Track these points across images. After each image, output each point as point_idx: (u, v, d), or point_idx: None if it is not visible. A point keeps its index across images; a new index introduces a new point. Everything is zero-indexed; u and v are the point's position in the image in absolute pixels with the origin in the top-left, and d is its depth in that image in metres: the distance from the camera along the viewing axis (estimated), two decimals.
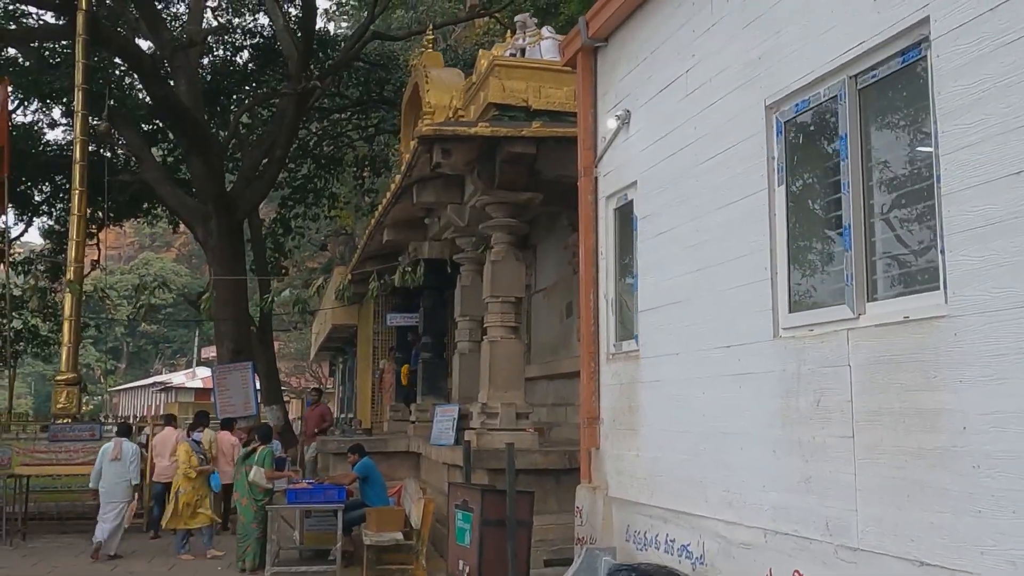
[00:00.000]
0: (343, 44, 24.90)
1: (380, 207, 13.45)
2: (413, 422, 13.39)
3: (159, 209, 24.88)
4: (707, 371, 5.15)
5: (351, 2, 34.54)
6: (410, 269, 10.48)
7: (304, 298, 11.71)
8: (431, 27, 15.49)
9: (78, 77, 14.12)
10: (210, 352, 69.11)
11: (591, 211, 6.87)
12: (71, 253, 13.68)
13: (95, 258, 20.70)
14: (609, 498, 6.37)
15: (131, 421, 13.70)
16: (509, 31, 11.60)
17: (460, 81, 14.43)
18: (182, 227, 29.18)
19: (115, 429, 12.38)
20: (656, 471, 5.72)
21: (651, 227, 5.96)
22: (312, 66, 21.57)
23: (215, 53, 24.80)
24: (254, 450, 10.06)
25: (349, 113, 28.08)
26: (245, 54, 25.40)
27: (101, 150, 21.30)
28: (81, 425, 13.20)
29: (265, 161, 21.58)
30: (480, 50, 11.76)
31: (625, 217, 6.52)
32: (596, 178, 6.89)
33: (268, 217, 29.10)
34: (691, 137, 5.44)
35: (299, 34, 22.67)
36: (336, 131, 28.13)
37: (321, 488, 9.76)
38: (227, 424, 15.48)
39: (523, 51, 10.29)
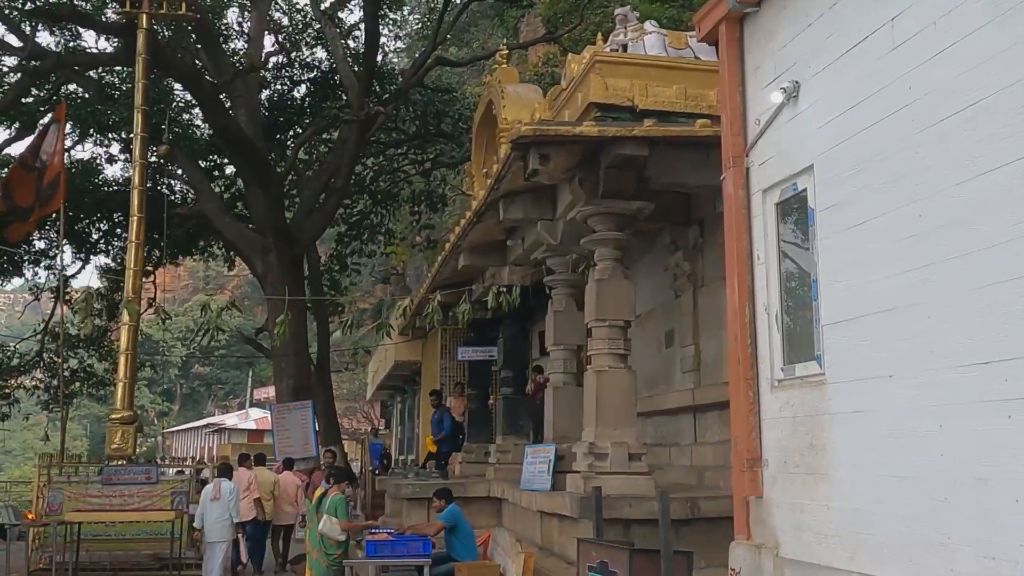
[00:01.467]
0: (400, 78, 24.30)
1: (457, 229, 12.42)
2: (493, 464, 12.20)
3: (215, 246, 24.35)
4: (947, 397, 3.92)
5: (409, 35, 34.16)
6: (504, 290, 9.38)
7: (387, 323, 10.67)
8: (504, 42, 14.58)
9: (137, 98, 13.42)
10: (263, 393, 68.65)
11: (742, 208, 5.70)
12: (128, 284, 12.85)
13: (152, 296, 20.05)
14: (781, 559, 5.12)
15: (228, 462, 12.91)
16: (600, 34, 10.56)
17: (538, 97, 13.46)
18: (236, 268, 28.58)
19: (216, 470, 12.19)
20: (860, 527, 4.47)
21: (839, 219, 4.77)
22: (369, 99, 20.88)
23: (273, 87, 24.37)
24: (325, 494, 8.96)
25: (405, 148, 27.48)
26: (302, 88, 24.96)
27: (159, 186, 20.77)
28: (136, 468, 12.25)
29: (324, 194, 20.88)
30: (569, 54, 10.74)
31: (793, 211, 5.34)
32: (747, 169, 5.74)
33: (324, 254, 28.59)
34: (905, 99, 4.27)
35: (360, 63, 22.14)
36: (392, 166, 27.52)
37: (403, 540, 8.61)
38: (288, 464, 14.62)
39: (624, 47, 9.24)
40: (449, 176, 33.92)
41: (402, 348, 20.79)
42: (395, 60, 36.72)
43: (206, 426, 61.27)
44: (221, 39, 21.99)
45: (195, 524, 11.24)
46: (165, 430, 70.59)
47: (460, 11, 22.99)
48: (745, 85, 5.84)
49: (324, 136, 24.51)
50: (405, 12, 37.94)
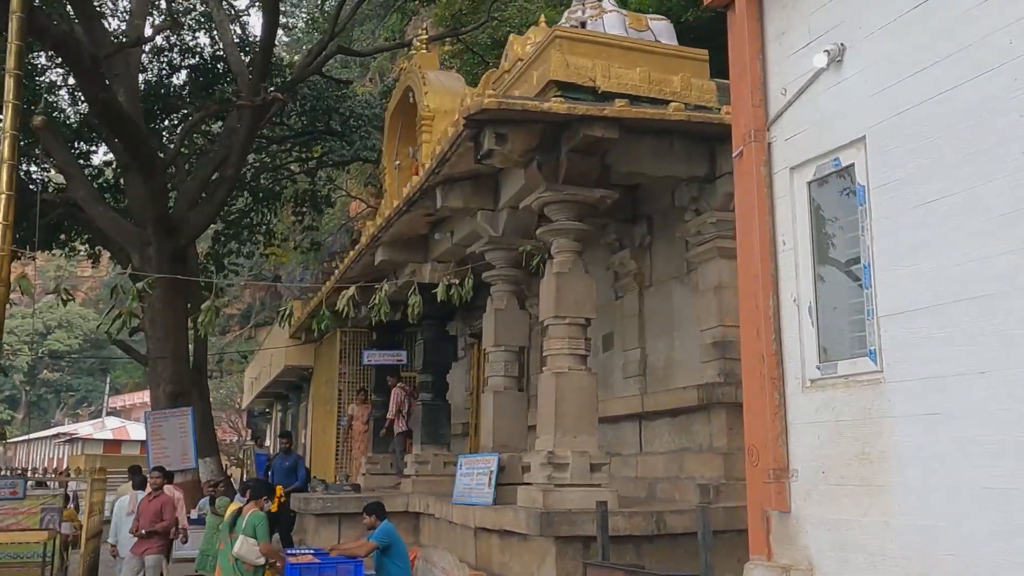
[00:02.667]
0: (288, 71, 23.13)
1: (379, 220, 11.47)
2: (411, 475, 11.28)
3: (79, 240, 22.36)
4: None
5: (297, 28, 32.81)
6: (456, 282, 8.49)
7: (328, 317, 9.47)
8: (425, 28, 13.72)
9: (10, 61, 11.67)
10: (119, 401, 64.53)
11: (764, 188, 5.11)
12: None
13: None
14: None
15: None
16: (542, 18, 9.87)
17: (462, 85, 12.80)
18: (93, 269, 26.39)
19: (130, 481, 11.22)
20: (935, 546, 3.89)
21: (904, 197, 4.21)
22: (265, 84, 19.60)
23: (151, 71, 22.69)
24: (239, 512, 7.85)
25: (290, 144, 26.28)
26: (182, 75, 23.39)
27: (22, 171, 18.83)
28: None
29: (211, 184, 19.43)
30: (511, 35, 10.02)
31: (833, 190, 4.77)
32: (769, 144, 5.15)
33: (200, 253, 27.04)
34: (1003, 56, 3.74)
35: (247, 50, 20.92)
36: (275, 163, 26.22)
37: (332, 562, 7.60)
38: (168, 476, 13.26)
39: (583, 24, 8.60)
40: (336, 176, 32.75)
41: (293, 352, 19.52)
42: (281, 53, 35.26)
43: (56, 436, 56.97)
44: (99, 15, 20.21)
45: (109, 540, 10.54)
46: (8, 440, 65.30)
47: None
48: (765, 52, 5.26)
49: (203, 128, 23.01)
50: (291, 4, 36.46)
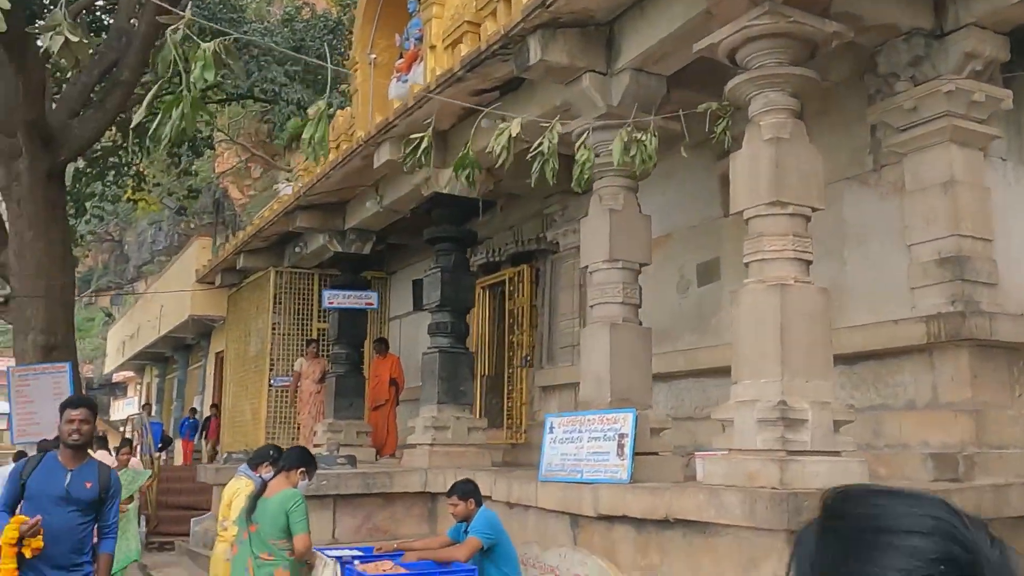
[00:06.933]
0: None
1: (416, 88, 8.59)
2: (425, 444, 8.49)
3: None
4: None
5: None
6: (639, 137, 5.52)
7: (473, 160, 6.34)
8: None
9: None
10: None
11: None
12: None
13: None
14: None
15: None
16: None
17: None
18: None
19: None
20: None
21: None
22: None
23: None
24: (263, 492, 4.95)
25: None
26: None
27: None
28: None
29: (101, 89, 15.79)
30: None
31: None
32: None
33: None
34: None
35: None
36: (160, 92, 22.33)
37: (423, 571, 4.83)
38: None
39: None
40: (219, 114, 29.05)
41: (199, 300, 16.07)
42: None
43: None
44: None
45: None
46: None
47: None
48: None
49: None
50: None
